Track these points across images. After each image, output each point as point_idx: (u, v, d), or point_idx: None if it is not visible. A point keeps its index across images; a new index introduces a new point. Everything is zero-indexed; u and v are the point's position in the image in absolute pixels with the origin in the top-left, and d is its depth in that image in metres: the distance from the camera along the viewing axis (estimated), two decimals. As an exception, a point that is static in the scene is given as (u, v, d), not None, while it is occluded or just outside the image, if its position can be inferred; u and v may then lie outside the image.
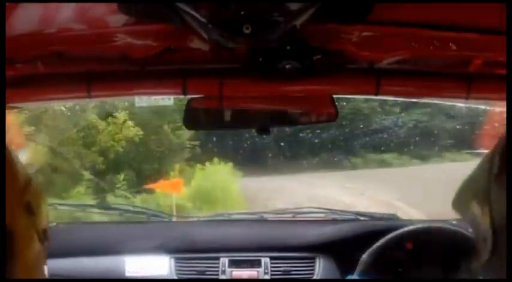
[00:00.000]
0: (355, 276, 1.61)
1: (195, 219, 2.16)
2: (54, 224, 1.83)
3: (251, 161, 8.19)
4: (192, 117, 1.23)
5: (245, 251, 1.81)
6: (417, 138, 8.76)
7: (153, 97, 2.24)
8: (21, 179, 0.67)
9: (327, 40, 0.95)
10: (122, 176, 6.40)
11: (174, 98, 2.47)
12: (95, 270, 1.76)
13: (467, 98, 1.12)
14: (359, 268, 1.62)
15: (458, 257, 1.66)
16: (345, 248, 1.78)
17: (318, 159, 8.75)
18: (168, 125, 7.16)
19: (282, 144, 8.53)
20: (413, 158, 8.88)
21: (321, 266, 1.79)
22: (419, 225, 1.74)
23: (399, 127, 8.78)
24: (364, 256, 1.63)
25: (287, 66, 0.98)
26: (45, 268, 0.72)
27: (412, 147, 8.72)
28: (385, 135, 8.73)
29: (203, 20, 0.78)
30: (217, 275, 1.76)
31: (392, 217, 2.04)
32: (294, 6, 0.77)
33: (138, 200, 5.95)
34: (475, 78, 1.10)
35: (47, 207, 0.73)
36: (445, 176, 4.73)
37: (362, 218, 2.01)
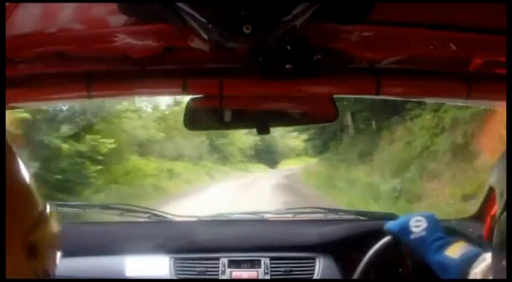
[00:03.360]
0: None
1: (195, 219, 2.15)
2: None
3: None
4: (192, 117, 1.23)
5: (245, 251, 1.80)
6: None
7: (154, 97, 2.24)
8: (33, 213, 0.54)
9: (327, 40, 0.95)
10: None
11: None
12: (95, 270, 1.75)
13: (467, 98, 1.13)
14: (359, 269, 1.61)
15: None
16: (345, 248, 1.78)
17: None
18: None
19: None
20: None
21: (321, 266, 1.78)
22: None
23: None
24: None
25: (287, 66, 0.98)
26: None
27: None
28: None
29: (203, 20, 0.78)
30: (217, 275, 1.75)
31: (393, 217, 2.03)
32: (294, 6, 0.77)
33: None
34: (475, 78, 1.10)
35: (57, 251, 0.62)
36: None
37: (362, 218, 2.01)
